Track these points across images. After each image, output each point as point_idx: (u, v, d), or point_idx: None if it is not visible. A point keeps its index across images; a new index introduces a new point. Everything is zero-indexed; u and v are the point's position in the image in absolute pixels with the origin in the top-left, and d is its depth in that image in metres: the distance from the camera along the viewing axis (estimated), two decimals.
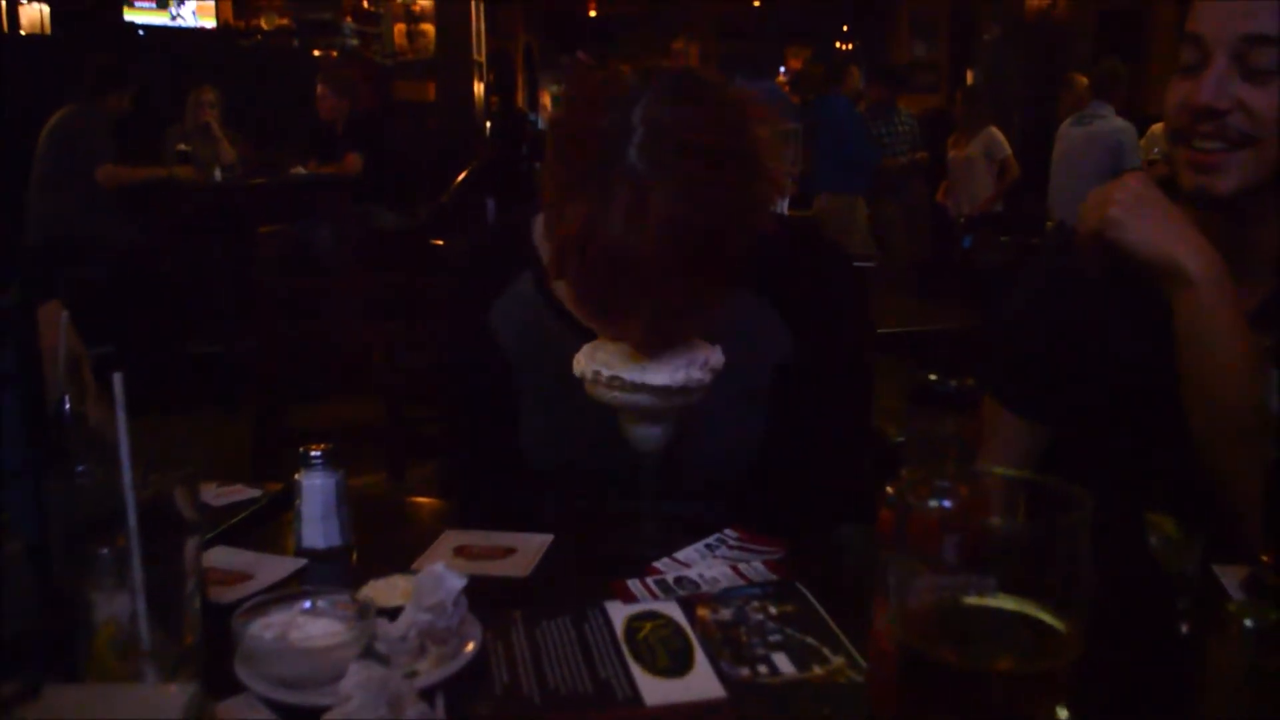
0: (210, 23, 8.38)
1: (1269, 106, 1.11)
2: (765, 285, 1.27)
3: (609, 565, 1.08)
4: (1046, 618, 0.59)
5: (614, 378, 1.08)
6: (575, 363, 1.12)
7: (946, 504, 0.68)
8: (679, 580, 1.05)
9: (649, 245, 1.01)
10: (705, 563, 1.09)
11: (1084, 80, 6.03)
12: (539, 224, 1.33)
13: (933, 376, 0.71)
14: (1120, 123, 5.62)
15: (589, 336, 1.21)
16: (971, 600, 0.60)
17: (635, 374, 1.07)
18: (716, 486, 1.29)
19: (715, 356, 1.11)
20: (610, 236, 1.01)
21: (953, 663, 0.59)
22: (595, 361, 1.10)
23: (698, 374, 1.09)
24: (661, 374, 1.07)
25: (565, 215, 1.04)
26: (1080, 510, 0.58)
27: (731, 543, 1.12)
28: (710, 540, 1.13)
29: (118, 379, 0.78)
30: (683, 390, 1.08)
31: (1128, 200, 1.15)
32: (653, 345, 1.08)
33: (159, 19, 8.07)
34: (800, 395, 1.30)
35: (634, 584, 1.03)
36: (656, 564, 1.08)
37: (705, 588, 1.03)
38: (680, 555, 1.10)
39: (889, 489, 0.78)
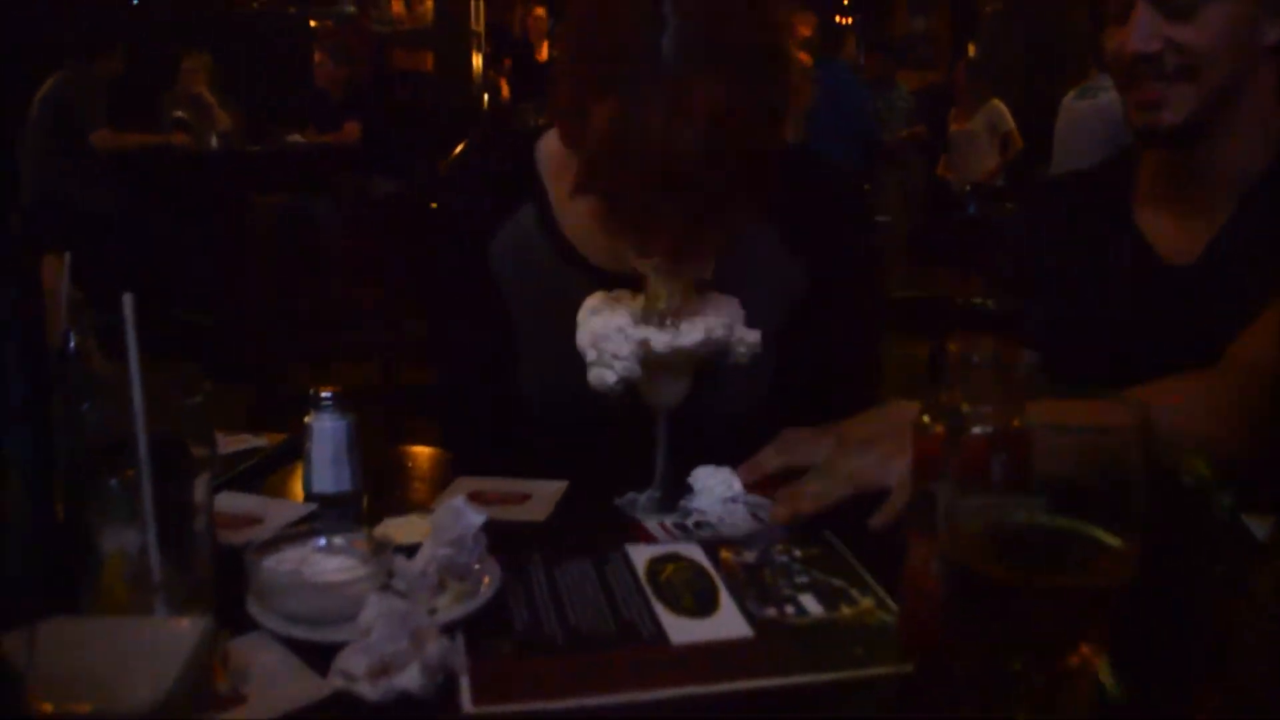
0: None
1: (1197, 39, 1.15)
2: (774, 216, 1.21)
3: (623, 522, 1.05)
4: (1100, 534, 0.56)
5: (644, 340, 1.02)
6: (580, 338, 1.04)
7: (989, 430, 0.65)
8: (699, 524, 1.02)
9: (688, 142, 0.93)
10: (724, 509, 1.06)
11: None
12: (543, 149, 1.27)
13: (976, 300, 0.68)
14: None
15: (596, 274, 1.19)
16: (1021, 518, 0.58)
17: (665, 338, 1.02)
18: (730, 428, 1.24)
19: (739, 319, 1.06)
20: (648, 137, 0.93)
21: (1003, 579, 0.57)
22: (613, 324, 1.02)
23: (721, 332, 1.04)
24: (695, 332, 1.02)
25: (594, 119, 0.96)
26: (1133, 417, 0.55)
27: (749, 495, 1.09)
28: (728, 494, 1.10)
29: (127, 299, 0.75)
30: (706, 345, 1.04)
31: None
32: (683, 255, 1.02)
33: None
34: (813, 326, 1.26)
35: (653, 526, 1.01)
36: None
37: (726, 533, 1.01)
38: (697, 505, 1.08)
39: (923, 418, 0.76)
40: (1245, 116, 1.22)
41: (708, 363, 1.06)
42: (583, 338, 1.03)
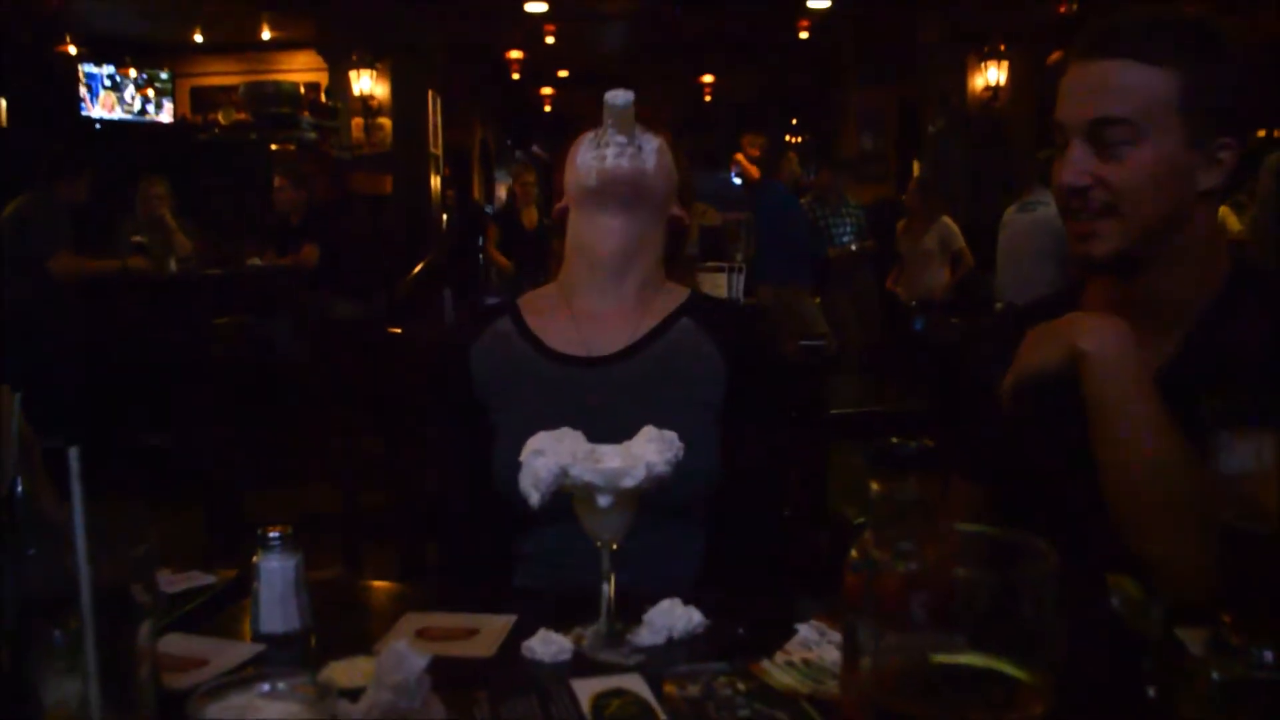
0: (168, 118, 8.45)
1: (1123, 178, 1.22)
2: (708, 322, 1.53)
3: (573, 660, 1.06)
4: (1015, 672, 0.59)
5: (586, 485, 1.05)
6: (522, 480, 1.08)
7: (912, 567, 0.68)
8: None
9: None
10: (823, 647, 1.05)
11: None
12: (525, 297, 1.62)
13: (894, 439, 0.71)
14: None
15: (560, 359, 1.50)
16: (940, 658, 0.60)
17: (607, 497, 1.06)
18: (676, 512, 1.36)
19: (679, 453, 1.10)
20: None
21: (920, 718, 0.59)
22: (555, 469, 1.06)
23: (663, 469, 1.07)
24: (637, 471, 1.05)
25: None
26: (1043, 561, 0.58)
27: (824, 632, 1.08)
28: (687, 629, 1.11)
29: (73, 453, 0.77)
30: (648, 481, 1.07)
31: (1025, 343, 1.26)
32: None
33: (117, 114, 8.13)
34: (736, 425, 1.47)
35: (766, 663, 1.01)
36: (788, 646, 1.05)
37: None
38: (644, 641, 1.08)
39: (853, 553, 0.78)
40: (1183, 254, 1.26)
41: (650, 495, 1.08)
42: (525, 479, 1.05)
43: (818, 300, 6.58)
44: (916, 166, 9.45)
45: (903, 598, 0.64)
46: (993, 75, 8.60)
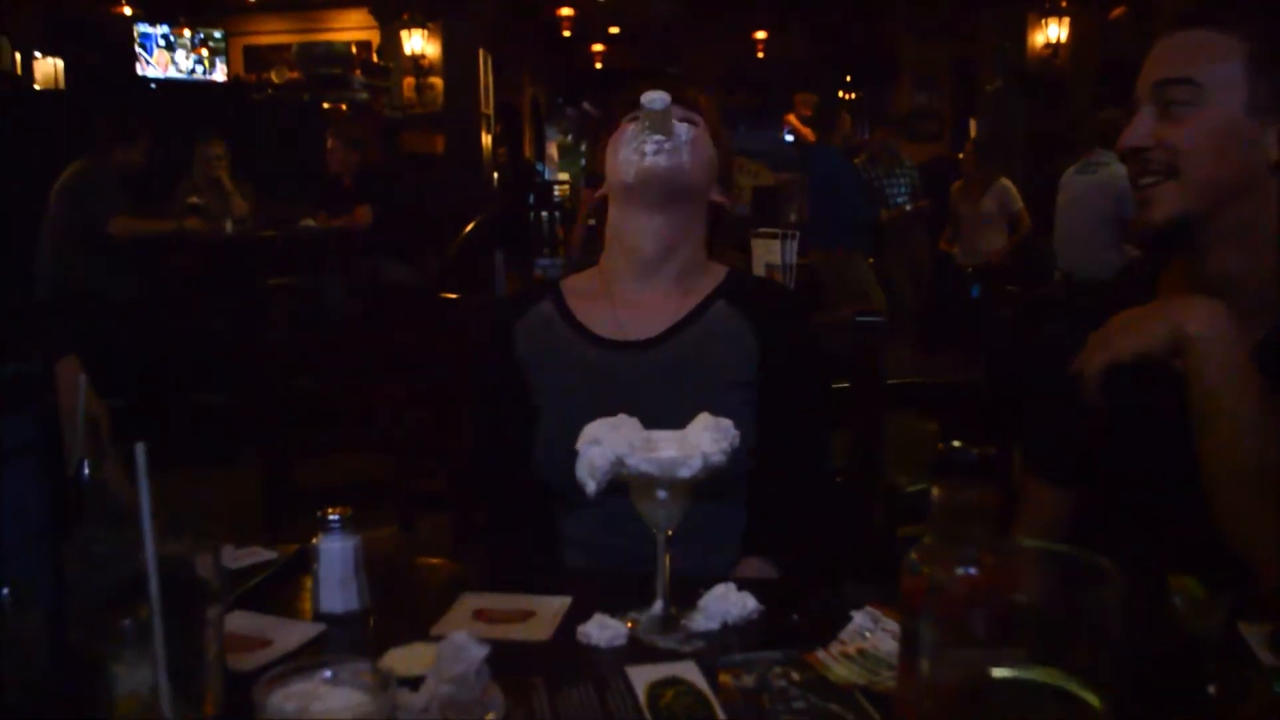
0: (221, 77, 8.51)
1: (1182, 139, 1.21)
2: (743, 302, 1.56)
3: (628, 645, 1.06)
4: (1079, 691, 0.58)
5: (641, 474, 1.06)
6: (579, 469, 1.09)
7: (972, 572, 0.67)
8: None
9: None
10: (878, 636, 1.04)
11: None
12: (565, 284, 1.65)
13: (956, 444, 0.71)
14: (1122, 169, 5.53)
15: (600, 342, 1.54)
16: (1001, 673, 0.60)
17: (662, 489, 1.07)
18: (714, 492, 1.31)
19: (734, 440, 1.10)
20: None
21: None
22: (610, 459, 1.06)
23: (719, 459, 1.08)
24: (693, 461, 1.06)
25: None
26: (1109, 585, 0.57)
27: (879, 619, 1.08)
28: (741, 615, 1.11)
29: (140, 449, 0.78)
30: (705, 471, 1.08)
31: (1107, 326, 1.22)
32: None
33: (172, 74, 8.20)
34: (773, 400, 1.50)
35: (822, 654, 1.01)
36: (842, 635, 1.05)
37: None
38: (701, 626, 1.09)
39: (913, 555, 0.78)
40: (1256, 231, 1.22)
41: (704, 484, 1.08)
42: (581, 468, 1.06)
43: (871, 261, 6.51)
44: (973, 125, 9.28)
45: (962, 608, 0.63)
46: (1053, 32, 8.38)
